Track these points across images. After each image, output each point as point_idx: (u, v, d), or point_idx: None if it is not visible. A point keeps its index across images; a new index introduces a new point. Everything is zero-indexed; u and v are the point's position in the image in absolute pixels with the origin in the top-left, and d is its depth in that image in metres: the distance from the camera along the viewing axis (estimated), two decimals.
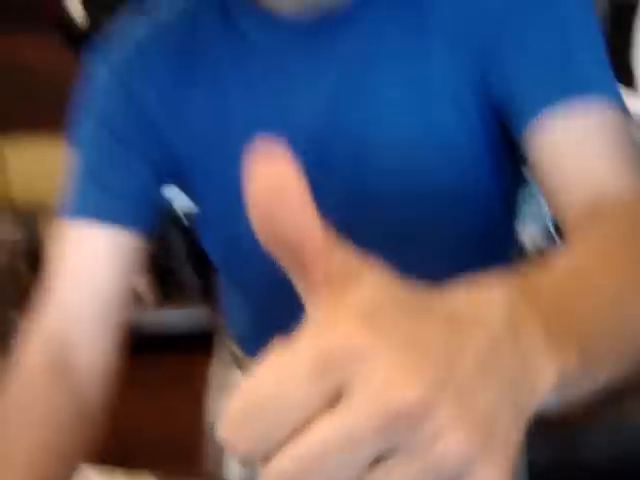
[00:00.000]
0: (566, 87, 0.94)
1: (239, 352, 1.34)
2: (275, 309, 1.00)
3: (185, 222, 4.24)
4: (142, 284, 4.13)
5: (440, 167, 1.03)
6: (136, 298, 4.10)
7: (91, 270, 1.06)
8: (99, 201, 1.10)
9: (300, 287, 0.49)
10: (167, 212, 4.23)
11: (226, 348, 1.39)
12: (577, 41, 0.97)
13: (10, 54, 4.31)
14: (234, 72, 1.08)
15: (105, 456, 1.10)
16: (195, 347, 3.81)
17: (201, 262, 4.13)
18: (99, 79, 1.16)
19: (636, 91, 1.82)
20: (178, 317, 4.06)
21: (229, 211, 1.05)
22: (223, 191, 1.09)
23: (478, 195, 1.04)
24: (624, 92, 1.10)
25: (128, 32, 1.16)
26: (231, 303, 1.32)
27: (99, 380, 1.04)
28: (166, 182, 1.17)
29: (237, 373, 1.35)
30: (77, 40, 4.22)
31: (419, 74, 1.00)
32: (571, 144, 0.92)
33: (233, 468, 1.34)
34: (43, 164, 4.18)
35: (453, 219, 1.04)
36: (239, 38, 1.07)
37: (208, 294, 4.06)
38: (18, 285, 2.89)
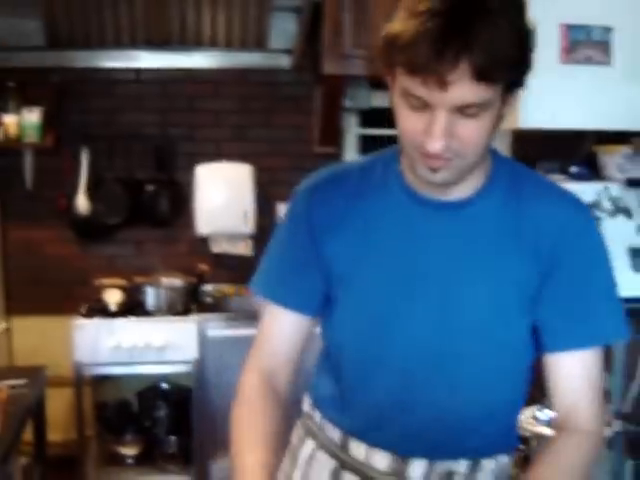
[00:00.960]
0: (587, 339, 1.51)
1: (312, 423, 1.75)
2: (356, 387, 1.62)
3: (170, 395, 4.68)
4: (128, 449, 4.51)
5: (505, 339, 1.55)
6: (121, 463, 4.50)
7: (284, 336, 1.66)
8: (284, 292, 1.66)
9: None
10: (155, 388, 4.70)
11: (302, 423, 1.79)
12: (604, 298, 1.53)
13: (27, 244, 4.88)
14: (380, 219, 1.57)
15: None
16: None
17: (181, 432, 4.56)
18: (295, 201, 1.66)
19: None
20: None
21: (352, 313, 1.61)
22: (354, 301, 1.60)
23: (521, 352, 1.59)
24: None
25: (323, 172, 1.68)
26: (323, 375, 1.73)
27: (288, 395, 1.67)
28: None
29: (309, 443, 1.74)
30: (83, 229, 4.80)
31: (501, 259, 1.51)
32: (573, 373, 1.51)
33: None
34: (43, 339, 4.69)
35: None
36: (390, 198, 1.58)
37: (187, 460, 4.48)
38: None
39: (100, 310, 4.43)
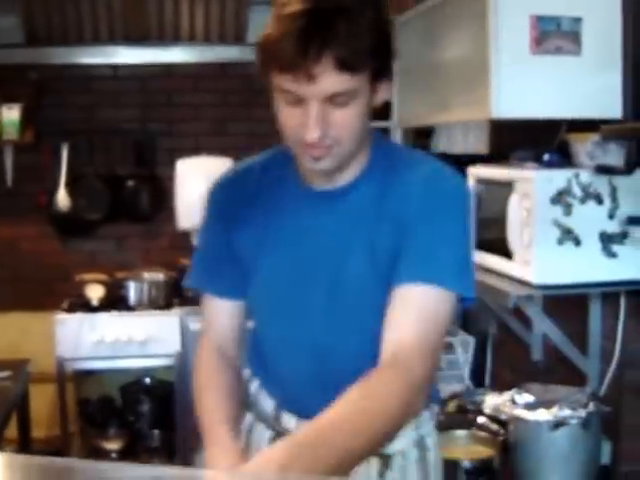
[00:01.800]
0: (422, 275, 1.59)
1: (249, 395, 1.89)
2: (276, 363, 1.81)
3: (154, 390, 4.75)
4: (112, 444, 4.57)
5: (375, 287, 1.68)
6: (105, 458, 4.55)
7: (223, 320, 1.85)
8: (211, 282, 1.86)
9: None
10: (138, 383, 4.76)
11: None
12: (450, 250, 1.64)
13: (8, 241, 4.95)
14: (278, 211, 1.76)
15: None
16: None
17: (164, 426, 4.64)
18: (208, 197, 1.85)
19: (511, 259, 2.52)
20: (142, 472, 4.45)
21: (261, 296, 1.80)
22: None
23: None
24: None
25: (231, 168, 1.88)
26: (254, 349, 1.89)
27: (236, 360, 1.86)
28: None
29: (247, 415, 1.89)
30: (63, 225, 4.86)
31: (376, 233, 1.68)
32: (407, 309, 1.59)
33: None
34: (24, 335, 4.74)
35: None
36: (286, 190, 1.76)
37: (171, 454, 4.55)
38: None
39: (82, 305, 4.51)
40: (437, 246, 1.63)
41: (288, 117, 1.58)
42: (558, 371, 2.92)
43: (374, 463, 1.75)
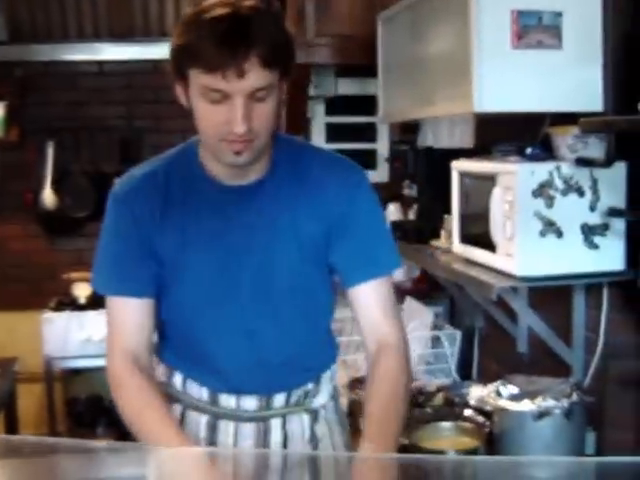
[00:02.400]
0: (372, 271, 1.95)
1: (173, 390, 2.02)
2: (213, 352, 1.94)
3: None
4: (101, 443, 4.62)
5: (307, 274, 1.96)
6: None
7: (135, 320, 1.90)
8: (126, 285, 1.91)
9: None
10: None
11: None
12: (381, 239, 1.99)
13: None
14: (195, 209, 1.88)
15: None
16: None
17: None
18: (117, 204, 1.94)
19: (495, 252, 2.59)
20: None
21: (191, 293, 1.92)
22: (178, 276, 1.91)
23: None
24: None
25: (133, 175, 1.96)
26: (172, 345, 2.00)
27: (149, 360, 1.93)
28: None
29: (175, 407, 2.02)
30: (50, 224, 4.91)
31: (297, 219, 1.90)
32: (370, 304, 1.96)
33: None
34: (11, 335, 4.78)
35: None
36: (198, 190, 1.89)
37: None
38: None
39: (69, 304, 4.58)
40: (376, 241, 1.99)
41: (212, 115, 1.73)
42: (543, 363, 2.98)
43: (305, 418, 2.06)
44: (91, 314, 4.48)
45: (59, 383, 4.73)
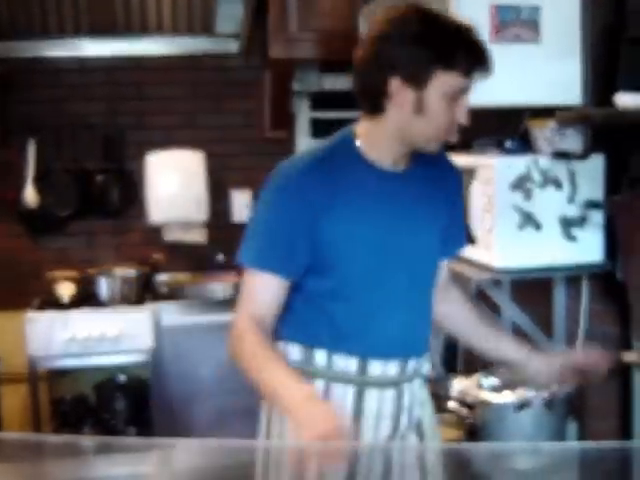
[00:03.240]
0: (455, 250, 2.41)
1: (314, 367, 2.20)
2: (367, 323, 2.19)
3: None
4: (87, 440, 4.67)
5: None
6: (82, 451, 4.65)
7: (271, 296, 2.14)
8: (280, 264, 2.13)
9: None
10: (112, 380, 4.87)
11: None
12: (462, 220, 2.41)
13: None
14: (360, 193, 2.12)
15: None
16: None
17: (140, 422, 4.77)
18: (289, 185, 2.11)
19: (474, 244, 2.67)
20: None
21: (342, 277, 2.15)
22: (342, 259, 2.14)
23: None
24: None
25: (302, 159, 2.18)
26: (320, 322, 2.20)
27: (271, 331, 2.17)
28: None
29: (318, 382, 2.20)
30: (32, 222, 4.97)
31: (437, 210, 2.23)
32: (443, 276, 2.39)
33: None
34: None
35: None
36: (360, 175, 2.12)
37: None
38: None
39: (53, 303, 4.62)
40: (460, 225, 2.38)
41: (448, 111, 2.02)
42: None
43: (418, 382, 2.31)
44: (75, 313, 4.52)
45: (44, 383, 4.75)
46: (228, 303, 4.71)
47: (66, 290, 4.66)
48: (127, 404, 4.83)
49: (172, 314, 4.59)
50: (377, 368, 2.19)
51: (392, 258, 2.15)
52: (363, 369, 2.18)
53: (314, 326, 2.20)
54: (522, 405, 2.58)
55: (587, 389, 2.72)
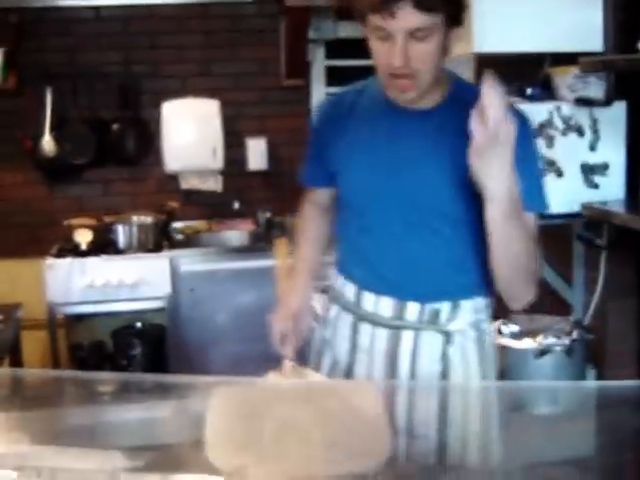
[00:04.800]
0: (532, 206, 2.03)
1: (335, 292, 2.35)
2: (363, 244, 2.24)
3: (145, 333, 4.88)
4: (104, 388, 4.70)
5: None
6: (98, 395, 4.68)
7: (321, 199, 2.44)
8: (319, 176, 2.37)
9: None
10: (130, 327, 4.89)
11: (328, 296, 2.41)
12: (538, 177, 2.11)
13: None
14: (370, 123, 2.17)
15: None
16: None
17: (156, 369, 4.76)
18: (322, 113, 2.35)
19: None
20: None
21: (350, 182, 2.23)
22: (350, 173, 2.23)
23: None
24: None
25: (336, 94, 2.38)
26: (341, 243, 2.35)
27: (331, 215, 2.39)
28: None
29: (333, 307, 2.35)
30: (50, 170, 4.96)
31: (456, 151, 1.96)
32: None
33: None
34: (13, 283, 4.85)
35: None
36: (378, 107, 2.16)
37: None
38: None
39: (71, 250, 4.61)
40: (535, 180, 2.08)
41: (379, 51, 1.98)
42: (546, 303, 3.04)
43: (438, 338, 2.18)
44: (93, 260, 4.53)
45: (62, 330, 4.79)
46: (244, 250, 4.79)
47: (84, 237, 4.65)
48: (144, 350, 4.84)
49: (189, 261, 4.58)
50: (370, 302, 2.23)
51: (394, 183, 2.13)
52: (358, 300, 2.26)
53: (340, 245, 2.35)
54: (543, 352, 2.57)
55: (607, 336, 2.71)
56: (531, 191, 2.00)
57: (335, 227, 2.38)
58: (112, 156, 5.04)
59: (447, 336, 2.18)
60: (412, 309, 2.17)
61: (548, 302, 3.01)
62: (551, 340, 2.58)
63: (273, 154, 5.23)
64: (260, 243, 4.85)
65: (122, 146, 5.03)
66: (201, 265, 4.60)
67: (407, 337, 2.19)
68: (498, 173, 1.80)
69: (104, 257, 4.56)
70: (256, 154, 5.17)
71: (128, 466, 1.72)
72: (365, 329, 2.24)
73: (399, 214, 2.14)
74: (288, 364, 2.18)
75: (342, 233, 2.34)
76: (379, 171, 2.14)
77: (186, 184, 5.09)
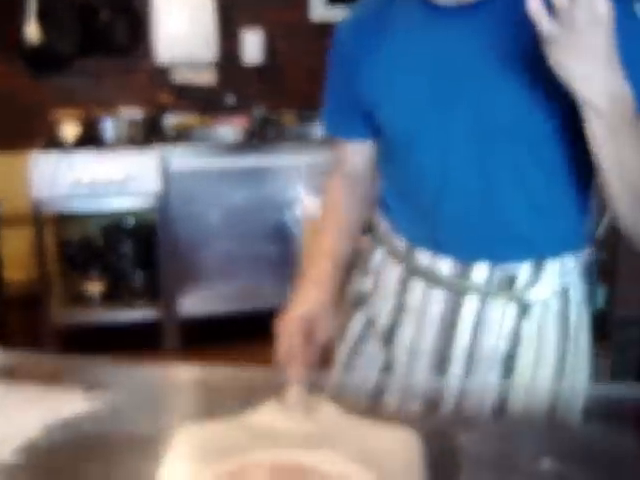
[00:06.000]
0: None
1: (380, 233, 1.89)
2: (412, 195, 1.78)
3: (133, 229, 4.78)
4: (94, 286, 4.61)
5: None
6: (88, 299, 4.60)
7: (357, 158, 1.92)
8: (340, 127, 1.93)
9: None
10: (119, 224, 4.78)
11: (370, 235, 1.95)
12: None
13: None
14: (407, 34, 1.68)
15: None
16: (141, 342, 4.32)
17: (146, 266, 4.71)
18: (343, 35, 1.82)
19: None
20: (126, 315, 4.59)
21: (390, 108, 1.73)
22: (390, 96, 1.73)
23: None
24: None
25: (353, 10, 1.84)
26: (388, 187, 1.88)
27: (370, 185, 1.93)
28: None
29: (378, 250, 1.88)
30: (35, 60, 4.77)
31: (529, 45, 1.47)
32: None
33: None
34: None
35: None
36: (415, 11, 1.66)
37: (154, 294, 4.60)
38: None
39: (57, 144, 4.47)
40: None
41: None
42: None
43: (511, 308, 1.71)
44: (80, 155, 4.39)
45: (50, 227, 4.70)
46: (238, 147, 4.64)
47: (70, 131, 4.50)
48: (134, 248, 4.79)
49: (180, 157, 4.46)
50: (425, 256, 1.77)
51: (442, 107, 1.65)
52: (410, 250, 1.79)
53: (387, 189, 1.88)
54: None
55: (619, 254, 2.59)
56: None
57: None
58: (101, 46, 4.86)
59: (523, 307, 1.72)
60: (480, 269, 1.71)
61: None
62: None
63: (270, 47, 5.04)
64: (254, 140, 4.70)
65: (111, 35, 4.85)
66: (193, 161, 4.48)
67: (471, 303, 1.73)
68: (591, 70, 1.36)
69: (92, 152, 4.42)
70: (252, 46, 4.98)
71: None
72: (417, 286, 1.78)
73: (462, 145, 1.65)
74: (294, 390, 1.54)
75: (387, 174, 1.86)
76: (431, 92, 1.64)
77: (179, 77, 4.94)
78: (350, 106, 1.81)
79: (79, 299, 4.63)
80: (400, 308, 1.81)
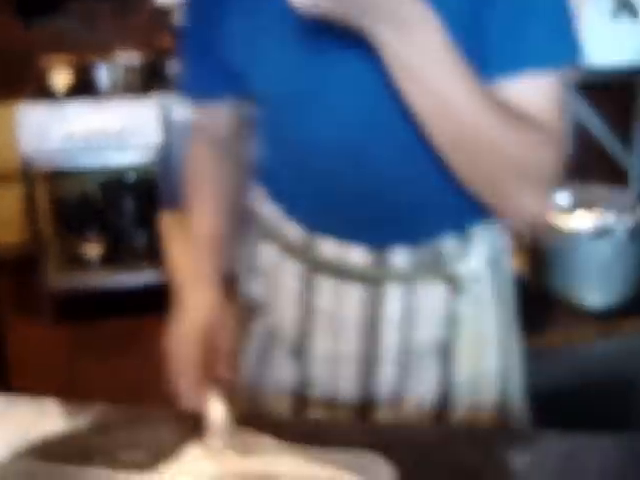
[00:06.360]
0: (518, 61, 1.24)
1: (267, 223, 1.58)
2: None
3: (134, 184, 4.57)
4: (93, 248, 4.42)
5: None
6: (86, 262, 4.42)
7: (220, 126, 1.61)
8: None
9: None
10: (118, 180, 4.55)
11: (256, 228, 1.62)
12: (538, 16, 1.24)
13: None
14: None
15: None
16: (144, 307, 4.15)
17: (149, 225, 4.47)
18: None
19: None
20: (128, 278, 4.43)
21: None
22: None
23: None
24: None
25: None
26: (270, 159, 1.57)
27: (235, 143, 1.65)
28: None
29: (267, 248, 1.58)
30: (21, 2, 4.52)
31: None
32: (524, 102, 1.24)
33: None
34: None
35: None
36: None
37: (158, 256, 4.39)
38: None
39: (47, 93, 4.25)
40: (535, 19, 1.24)
41: None
42: (593, 169, 2.69)
43: (441, 290, 1.48)
44: (72, 105, 4.16)
45: (43, 184, 4.50)
46: None
47: (62, 79, 4.26)
48: (135, 205, 4.59)
49: (182, 107, 4.18)
50: (330, 246, 1.49)
51: (323, 66, 1.34)
52: (309, 240, 1.51)
53: (268, 173, 1.60)
54: (600, 232, 2.19)
55: None
56: (539, 36, 1.25)
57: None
58: None
59: (455, 284, 1.49)
60: (399, 252, 1.46)
61: (599, 168, 2.64)
62: (611, 218, 2.18)
63: None
64: None
65: None
66: None
67: (393, 292, 1.48)
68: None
69: (85, 101, 4.19)
70: None
71: None
72: (325, 284, 1.50)
73: (349, 111, 1.36)
74: (215, 427, 1.26)
75: (272, 147, 1.55)
76: (305, 48, 1.33)
77: (180, 19, 4.65)
78: (213, 59, 1.50)
79: (76, 262, 4.45)
80: (307, 313, 1.52)
